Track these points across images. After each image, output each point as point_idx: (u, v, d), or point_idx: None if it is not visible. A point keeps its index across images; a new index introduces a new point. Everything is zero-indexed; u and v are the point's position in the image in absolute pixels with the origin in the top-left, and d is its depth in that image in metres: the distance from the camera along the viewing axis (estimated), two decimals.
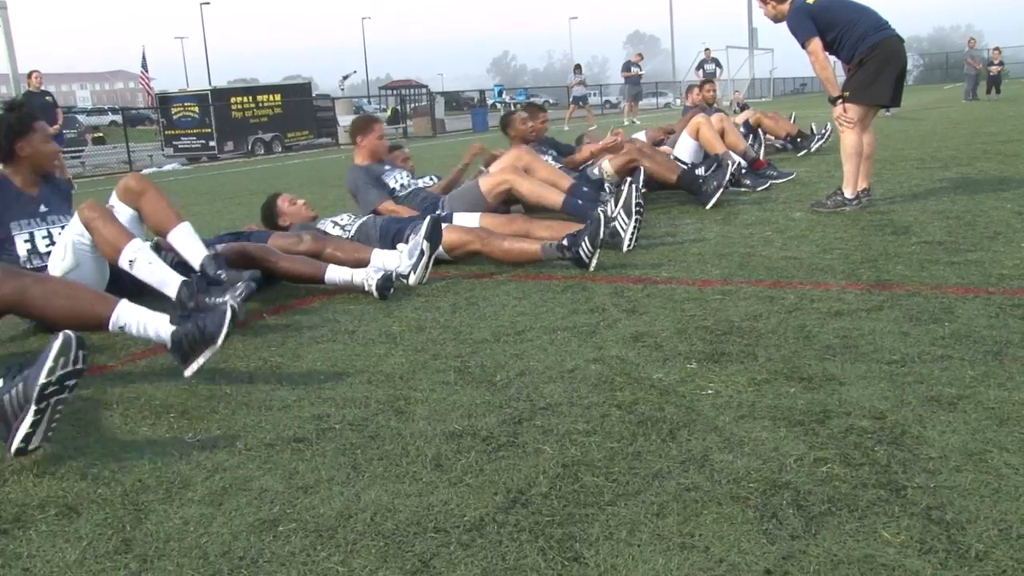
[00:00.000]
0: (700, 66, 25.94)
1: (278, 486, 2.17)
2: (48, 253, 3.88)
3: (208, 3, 64.60)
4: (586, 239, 4.35)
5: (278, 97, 26.39)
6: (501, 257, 4.68)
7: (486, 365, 3.02)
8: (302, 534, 1.92)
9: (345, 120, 28.44)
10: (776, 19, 5.98)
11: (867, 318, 3.28)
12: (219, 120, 23.94)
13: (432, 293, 4.20)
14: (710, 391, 2.63)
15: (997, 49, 28.36)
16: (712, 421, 2.39)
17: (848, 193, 5.86)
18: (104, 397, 2.94)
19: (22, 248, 3.98)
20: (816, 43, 5.69)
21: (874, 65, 5.69)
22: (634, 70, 26.04)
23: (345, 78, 36.79)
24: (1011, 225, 4.94)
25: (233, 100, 25.05)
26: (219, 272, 3.71)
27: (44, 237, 4.02)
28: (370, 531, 1.91)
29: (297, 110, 26.84)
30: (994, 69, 27.30)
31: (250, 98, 25.74)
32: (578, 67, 28.03)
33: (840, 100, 5.77)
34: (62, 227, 3.91)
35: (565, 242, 4.43)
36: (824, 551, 1.72)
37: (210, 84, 30.38)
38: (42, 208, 4.10)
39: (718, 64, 27.39)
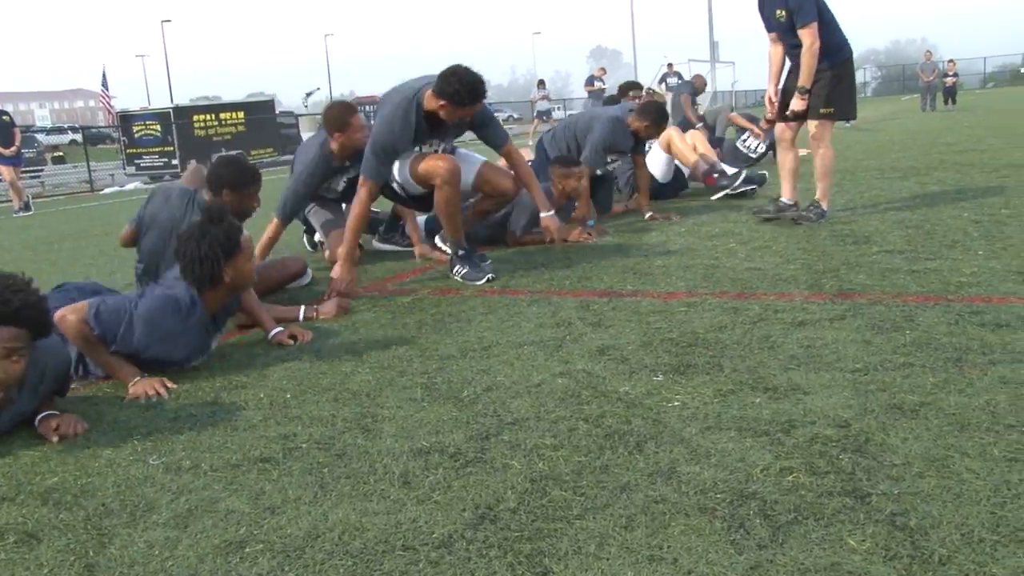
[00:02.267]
0: (663, 80, 26.15)
1: (244, 507, 2.15)
2: None
3: (169, 21, 64.27)
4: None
5: (241, 115, 26.25)
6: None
7: (453, 381, 3.01)
8: (269, 555, 1.90)
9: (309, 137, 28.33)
10: None
11: (830, 327, 3.32)
12: (181, 138, 23.77)
13: (398, 310, 4.19)
14: (676, 403, 2.64)
15: (952, 61, 28.89)
16: (679, 433, 2.40)
17: (825, 206, 5.85)
18: None
19: None
20: (815, 28, 5.49)
21: (849, 82, 5.72)
22: (597, 84, 26.15)
23: (309, 95, 36.69)
24: (968, 233, 5.02)
25: (195, 118, 24.88)
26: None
27: None
28: (338, 550, 1.90)
29: (260, 127, 26.71)
30: (949, 81, 27.81)
31: (213, 116, 25.58)
32: (541, 82, 28.19)
33: (809, 93, 5.63)
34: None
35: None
36: (791, 560, 1.73)
37: (172, 102, 30.10)
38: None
39: (680, 77, 27.64)
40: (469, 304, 4.20)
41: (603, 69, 27.73)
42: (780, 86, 5.96)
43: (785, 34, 5.73)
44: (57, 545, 2.01)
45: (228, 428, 2.71)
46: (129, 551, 1.96)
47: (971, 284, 3.83)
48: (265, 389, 3.08)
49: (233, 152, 24.78)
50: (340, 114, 5.28)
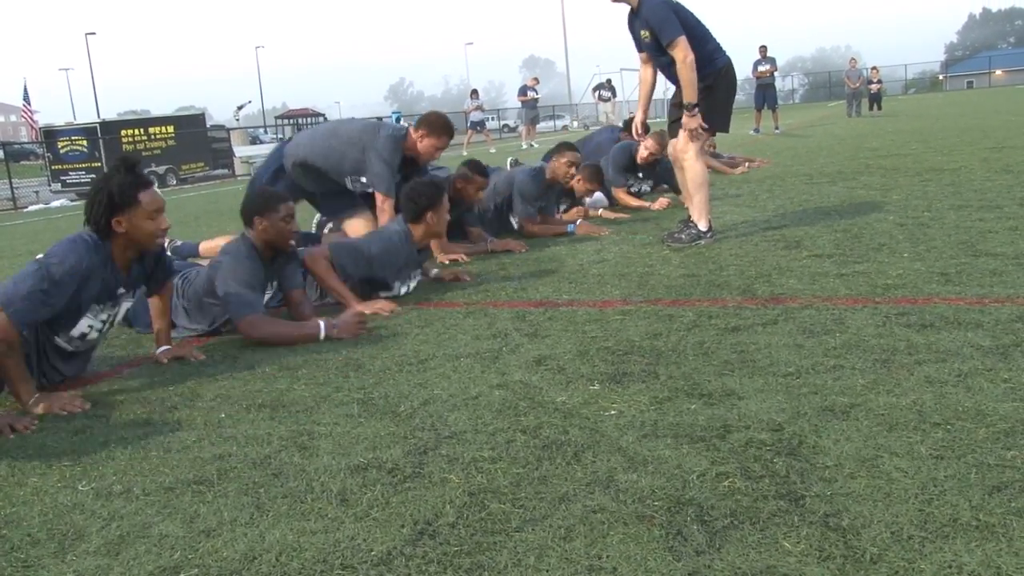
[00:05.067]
0: (596, 88, 26.42)
1: (178, 531, 2.10)
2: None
3: (94, 33, 63.04)
4: None
5: (171, 129, 25.86)
6: None
7: (390, 395, 2.99)
8: None
9: (241, 151, 28.00)
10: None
11: (763, 332, 3.37)
12: (109, 153, 23.28)
13: None
14: (613, 412, 2.65)
15: (875, 68, 29.65)
16: (616, 441, 2.42)
17: (702, 225, 5.53)
18: None
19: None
20: (685, 41, 5.23)
21: (722, 92, 5.47)
22: (530, 94, 26.32)
23: (240, 108, 36.18)
24: (894, 236, 5.15)
25: (124, 133, 24.44)
26: None
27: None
28: (275, 572, 1.87)
29: (191, 142, 26.33)
30: (873, 87, 28.55)
31: (141, 130, 25.16)
32: (475, 92, 28.24)
33: (697, 107, 5.36)
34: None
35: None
36: (728, 564, 1.75)
37: (99, 117, 29.54)
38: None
39: (613, 91, 27.96)
40: (405, 317, 4.18)
41: (536, 79, 27.91)
42: (670, 101, 5.75)
43: (654, 53, 5.55)
44: None
45: (161, 450, 2.66)
46: None
47: (897, 286, 3.93)
48: (198, 409, 3.03)
49: (164, 167, 24.42)
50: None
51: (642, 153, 7.83)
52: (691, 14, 5.49)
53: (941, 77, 76.31)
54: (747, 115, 22.59)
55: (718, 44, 5.51)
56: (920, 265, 4.32)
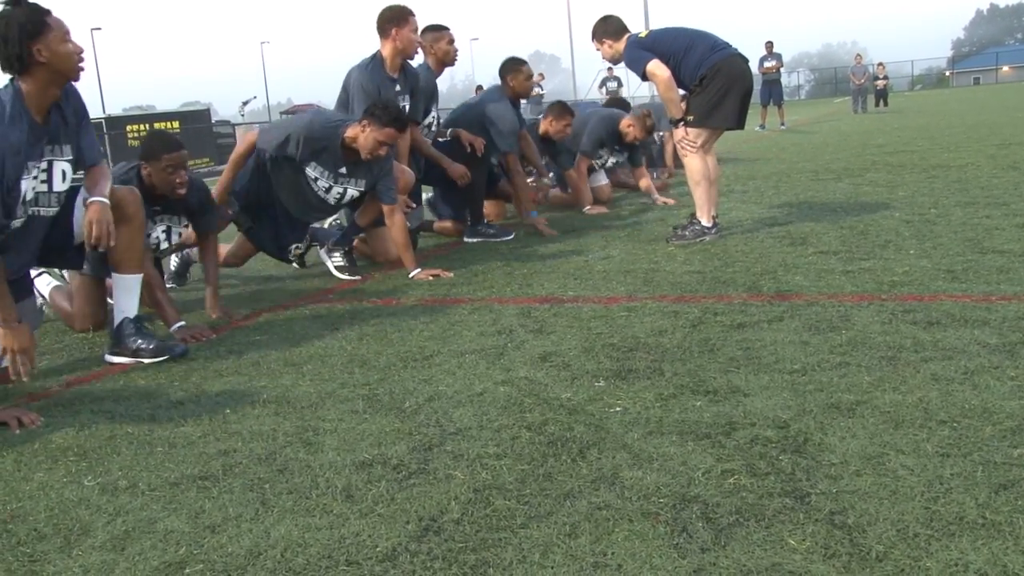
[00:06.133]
0: (603, 83, 26.42)
1: (184, 526, 2.10)
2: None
3: (100, 29, 63.06)
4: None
5: (176, 124, 25.84)
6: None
7: (395, 392, 2.99)
8: (210, 575, 1.87)
9: None
10: (614, 59, 5.77)
11: (768, 329, 3.37)
12: (115, 149, 23.31)
13: (338, 320, 4.15)
14: (618, 408, 2.65)
15: (881, 64, 29.59)
16: (621, 438, 2.41)
17: (705, 221, 5.53)
18: None
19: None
20: (655, 64, 5.34)
21: (716, 87, 5.32)
22: (536, 90, 26.30)
23: (245, 104, 36.15)
24: (900, 233, 5.14)
25: (129, 128, 24.45)
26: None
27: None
28: (280, 568, 1.87)
29: (197, 137, 26.30)
30: (880, 83, 28.49)
31: (147, 126, 25.15)
32: (480, 88, 28.21)
33: (682, 123, 5.47)
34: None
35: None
36: (734, 562, 1.74)
37: (104, 112, 29.50)
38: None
39: (619, 82, 27.93)
40: (410, 313, 4.18)
41: (542, 75, 27.91)
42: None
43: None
44: None
45: (166, 445, 2.66)
46: None
47: (903, 283, 3.92)
48: (204, 404, 3.03)
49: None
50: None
51: (625, 135, 7.81)
52: (671, 30, 5.56)
53: (948, 73, 76.08)
54: (753, 111, 22.57)
55: (715, 43, 5.42)
56: (926, 262, 4.31)
